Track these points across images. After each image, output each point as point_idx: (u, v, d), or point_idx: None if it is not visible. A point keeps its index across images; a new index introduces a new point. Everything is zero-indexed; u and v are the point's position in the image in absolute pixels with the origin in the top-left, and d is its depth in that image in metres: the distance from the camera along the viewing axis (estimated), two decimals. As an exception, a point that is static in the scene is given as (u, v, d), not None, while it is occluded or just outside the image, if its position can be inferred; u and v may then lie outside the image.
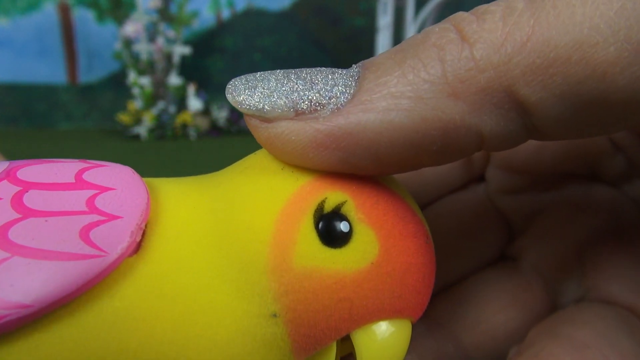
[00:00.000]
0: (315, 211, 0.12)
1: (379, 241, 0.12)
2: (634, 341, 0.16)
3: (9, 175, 0.11)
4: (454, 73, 0.11)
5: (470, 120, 0.11)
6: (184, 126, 1.37)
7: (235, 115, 1.42)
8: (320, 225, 0.11)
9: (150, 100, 1.39)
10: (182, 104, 1.43)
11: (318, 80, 0.12)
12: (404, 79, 0.11)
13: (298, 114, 0.12)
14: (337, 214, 0.12)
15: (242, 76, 0.13)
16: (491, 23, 0.11)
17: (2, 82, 1.53)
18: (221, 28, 1.55)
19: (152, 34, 1.40)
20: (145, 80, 1.39)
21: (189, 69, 1.46)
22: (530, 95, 0.11)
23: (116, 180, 0.12)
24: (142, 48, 1.39)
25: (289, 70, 0.13)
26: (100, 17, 1.53)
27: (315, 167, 0.12)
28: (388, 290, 0.12)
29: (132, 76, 1.39)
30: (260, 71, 0.13)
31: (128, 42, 1.39)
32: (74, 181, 0.11)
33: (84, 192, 0.11)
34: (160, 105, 1.38)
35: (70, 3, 1.50)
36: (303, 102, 0.12)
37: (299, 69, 0.13)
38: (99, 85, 1.56)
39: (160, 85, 1.41)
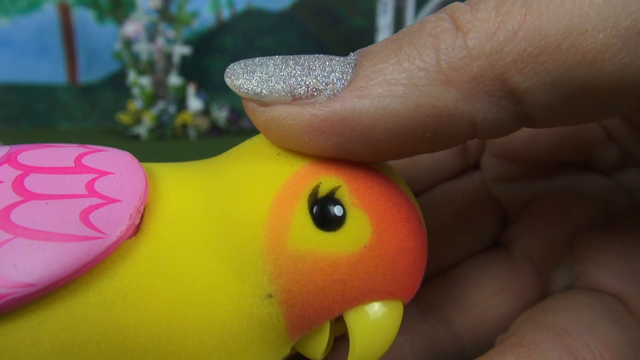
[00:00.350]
0: (310, 196, 0.12)
1: (372, 225, 0.12)
2: (617, 328, 0.16)
3: (10, 160, 0.12)
4: (448, 61, 0.11)
5: (463, 107, 0.11)
6: (184, 126, 1.37)
7: (235, 115, 1.42)
8: (314, 210, 0.12)
9: (150, 100, 1.39)
10: (182, 104, 1.43)
11: (315, 67, 0.12)
12: (400, 66, 0.12)
13: (295, 98, 0.12)
14: (331, 199, 0.12)
15: (241, 61, 0.13)
16: (484, 12, 0.11)
17: (2, 82, 1.53)
18: (221, 28, 1.55)
19: (152, 34, 1.40)
20: (145, 80, 1.39)
21: (189, 69, 1.46)
22: (522, 83, 0.11)
23: (115, 165, 0.12)
24: (142, 48, 1.39)
25: (287, 56, 0.13)
26: (100, 17, 1.53)
27: (310, 151, 0.12)
28: (380, 273, 0.12)
29: (132, 76, 1.39)
30: None
31: (128, 42, 1.39)
32: (73, 165, 0.12)
33: (84, 175, 0.11)
34: (160, 105, 1.38)
35: (70, 3, 1.50)
36: (300, 87, 0.12)
37: (297, 55, 0.13)
38: (99, 85, 1.56)
39: (160, 85, 1.41)
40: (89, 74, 1.54)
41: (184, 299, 0.11)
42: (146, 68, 1.40)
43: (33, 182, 0.11)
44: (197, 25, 1.48)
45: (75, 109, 1.56)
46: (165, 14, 1.39)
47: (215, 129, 1.41)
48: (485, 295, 0.19)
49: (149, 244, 0.11)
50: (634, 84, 0.11)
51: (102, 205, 0.11)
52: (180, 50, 1.40)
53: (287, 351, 0.12)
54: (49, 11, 1.50)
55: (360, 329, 0.12)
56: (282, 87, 0.12)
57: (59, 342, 0.10)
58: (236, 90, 0.12)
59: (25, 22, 1.50)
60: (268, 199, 0.12)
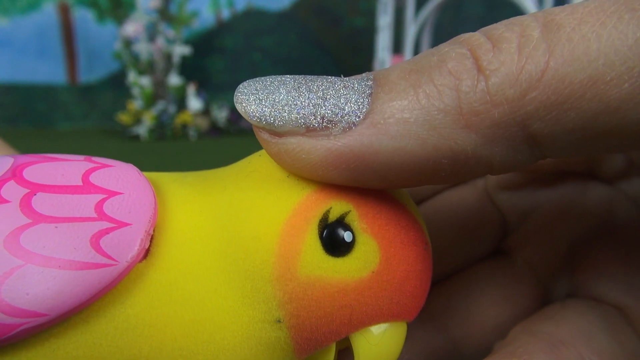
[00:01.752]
0: (320, 221, 0.12)
1: (380, 250, 0.12)
2: (614, 340, 0.16)
3: (15, 175, 0.11)
4: (469, 105, 0.11)
5: (481, 151, 0.11)
6: (184, 126, 1.37)
7: (235, 115, 1.42)
8: (324, 234, 0.12)
9: (150, 100, 1.39)
10: (182, 104, 1.43)
11: (330, 95, 0.12)
12: (418, 104, 0.11)
13: (309, 130, 0.12)
14: (341, 224, 0.12)
15: (251, 83, 0.12)
16: (507, 54, 0.11)
17: (2, 82, 1.53)
18: (221, 28, 1.55)
19: (152, 34, 1.40)
20: (145, 80, 1.39)
21: (189, 69, 1.46)
22: (543, 129, 0.11)
23: (123, 184, 0.12)
24: (142, 48, 1.39)
25: (300, 79, 0.12)
26: (100, 17, 1.53)
27: (323, 181, 0.12)
28: (387, 297, 0.12)
29: (132, 76, 1.39)
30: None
31: (128, 42, 1.39)
32: (81, 184, 0.11)
33: (92, 196, 0.11)
34: (160, 105, 1.38)
35: (70, 3, 1.50)
36: (315, 118, 0.12)
37: (311, 79, 0.12)
38: (99, 85, 1.56)
39: (160, 85, 1.41)
40: (89, 74, 1.54)
41: (195, 325, 0.11)
42: (146, 68, 1.39)
43: (41, 203, 0.11)
44: (197, 25, 1.48)
45: (75, 109, 1.56)
46: (165, 14, 1.39)
47: (215, 129, 1.41)
48: (485, 304, 0.19)
49: (159, 268, 0.11)
50: None
51: (112, 229, 0.11)
52: (180, 50, 1.40)
53: None
54: (49, 11, 1.50)
55: (364, 349, 0.12)
56: (296, 117, 0.12)
57: None
58: (247, 118, 0.12)
59: (25, 22, 1.50)
60: (278, 224, 0.12)
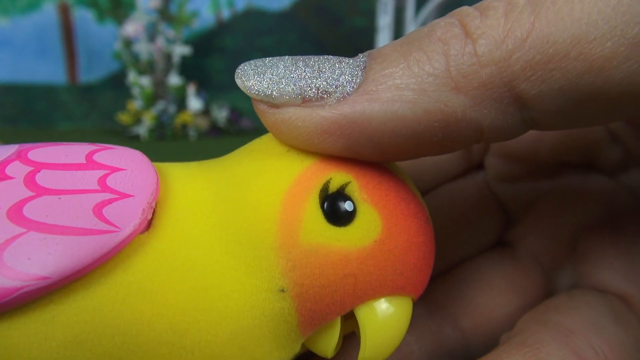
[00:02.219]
0: (321, 191, 0.12)
1: (381, 220, 0.12)
2: (621, 329, 0.16)
3: (20, 157, 0.12)
4: (458, 68, 0.11)
5: (471, 114, 0.12)
6: (184, 126, 1.37)
7: (235, 115, 1.42)
8: (325, 205, 0.12)
9: (150, 100, 1.39)
10: (182, 104, 1.43)
11: (325, 69, 0.12)
12: (409, 71, 0.12)
13: (305, 101, 0.12)
14: (342, 194, 0.12)
15: (251, 61, 0.13)
16: (493, 19, 0.11)
17: (2, 82, 1.53)
18: (221, 28, 1.55)
19: (152, 34, 1.40)
20: (145, 80, 1.39)
21: (189, 69, 1.46)
22: (530, 90, 0.11)
23: (126, 162, 0.12)
24: (142, 48, 1.39)
25: (297, 57, 0.13)
26: (100, 17, 1.53)
27: (319, 151, 0.12)
28: (390, 267, 0.12)
29: (132, 76, 1.39)
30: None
31: (128, 42, 1.39)
32: (84, 162, 0.12)
33: (95, 172, 0.11)
34: (160, 105, 1.38)
35: (70, 3, 1.50)
36: (310, 89, 0.12)
37: (307, 56, 0.13)
38: (99, 85, 1.56)
39: (160, 85, 1.41)
40: (89, 74, 1.54)
41: (197, 292, 0.11)
42: (146, 68, 1.40)
43: (45, 178, 0.11)
44: (197, 25, 1.48)
45: (75, 109, 1.56)
46: (165, 14, 1.39)
47: (215, 129, 1.41)
48: (491, 294, 0.19)
49: (161, 238, 0.11)
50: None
51: (115, 200, 0.11)
52: (180, 50, 1.40)
53: (298, 348, 0.13)
54: (49, 11, 1.50)
55: (371, 324, 0.12)
56: (292, 89, 0.12)
57: (72, 336, 0.10)
58: (247, 92, 0.13)
59: (25, 22, 1.50)
60: (279, 194, 0.12)
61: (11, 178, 0.11)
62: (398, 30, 1.20)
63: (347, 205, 0.12)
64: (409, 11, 1.16)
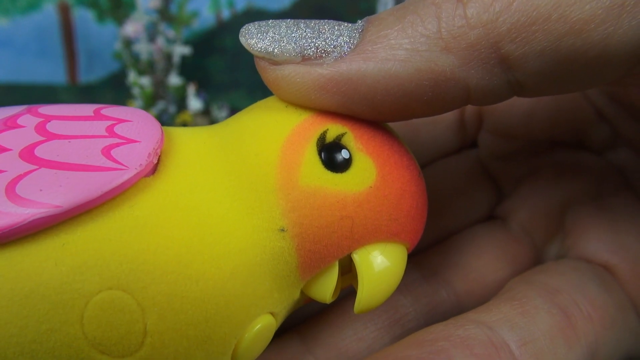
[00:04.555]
0: (318, 140, 0.13)
1: (376, 168, 0.13)
2: (605, 291, 0.17)
3: (31, 111, 0.12)
4: (448, 29, 0.12)
5: (459, 73, 0.12)
6: (184, 126, 1.38)
7: (235, 114, 1.43)
8: (322, 153, 0.13)
9: (150, 100, 1.39)
10: (182, 104, 1.43)
11: (325, 30, 0.13)
12: (403, 32, 0.13)
13: (304, 59, 0.13)
14: (338, 144, 0.13)
15: (255, 23, 0.14)
16: None
17: (2, 82, 1.53)
18: (221, 28, 1.56)
19: (152, 34, 1.40)
20: (145, 80, 1.40)
21: (189, 69, 1.46)
22: (514, 51, 0.12)
23: (132, 116, 0.12)
24: (142, 48, 1.39)
25: (299, 20, 0.14)
26: (100, 17, 1.54)
27: (315, 108, 0.13)
28: (385, 212, 0.13)
29: (132, 76, 1.39)
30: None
31: (128, 42, 1.40)
32: (92, 115, 0.12)
33: (103, 122, 0.12)
34: (160, 105, 1.38)
35: (70, 3, 1.50)
36: (310, 48, 0.13)
37: (309, 20, 0.14)
38: (99, 85, 1.57)
39: (160, 85, 1.42)
40: (89, 74, 1.54)
41: (201, 228, 0.12)
42: (146, 68, 1.40)
43: (55, 126, 0.11)
44: (197, 25, 1.48)
45: (75, 109, 1.56)
46: (165, 14, 1.40)
47: (214, 129, 1.42)
48: (484, 261, 0.20)
49: (166, 181, 0.12)
50: (615, 53, 0.12)
51: (122, 144, 0.11)
52: (180, 50, 1.40)
53: (297, 293, 0.13)
54: (49, 11, 1.50)
55: (368, 270, 0.13)
56: (293, 47, 0.13)
57: (81, 262, 0.11)
58: (249, 49, 0.13)
59: (25, 22, 1.50)
60: (279, 141, 0.13)
61: (23, 127, 0.11)
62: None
63: (344, 154, 0.13)
64: (407, 11, 1.16)
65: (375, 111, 0.13)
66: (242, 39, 0.13)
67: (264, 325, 0.13)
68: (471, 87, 0.13)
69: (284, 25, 0.13)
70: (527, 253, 0.21)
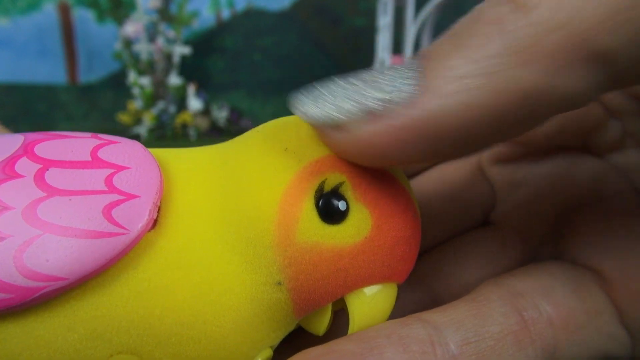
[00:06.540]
0: (316, 191, 0.13)
1: (372, 218, 0.13)
2: (575, 296, 0.16)
3: (27, 152, 0.12)
4: (519, 42, 0.11)
5: (547, 82, 0.11)
6: (184, 126, 1.38)
7: (235, 115, 1.43)
8: (320, 204, 0.13)
9: (150, 100, 1.39)
10: (182, 104, 1.43)
11: (381, 79, 0.12)
12: (468, 59, 0.11)
13: (371, 114, 0.12)
14: (336, 194, 0.13)
15: (304, 91, 0.13)
16: None
17: (2, 82, 1.53)
18: (221, 28, 1.56)
19: (152, 34, 1.40)
20: (145, 80, 1.40)
21: (189, 69, 1.46)
22: (605, 44, 0.11)
23: (130, 159, 0.13)
24: (142, 48, 1.39)
25: (348, 76, 0.13)
26: (100, 17, 1.53)
27: (398, 164, 0.13)
28: (379, 261, 0.13)
29: (132, 76, 1.39)
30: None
31: (128, 42, 1.39)
32: (90, 159, 0.12)
33: (102, 171, 0.12)
34: (160, 105, 1.38)
35: (70, 3, 1.50)
36: (373, 102, 0.12)
37: (358, 73, 0.13)
38: (99, 85, 1.57)
39: (160, 85, 1.42)
40: (89, 74, 1.54)
41: (202, 288, 0.12)
42: (146, 68, 1.40)
43: (54, 177, 0.11)
44: (197, 25, 1.48)
45: (75, 109, 1.56)
46: (165, 14, 1.40)
47: (215, 129, 1.42)
48: (471, 269, 0.20)
49: (167, 236, 0.12)
50: None
51: (122, 201, 0.11)
52: (180, 50, 1.40)
53: (292, 327, 0.14)
54: (49, 11, 1.50)
55: (358, 308, 0.14)
56: (352, 105, 0.12)
57: (92, 329, 0.11)
58: (308, 121, 0.12)
59: (25, 22, 1.50)
60: (277, 194, 0.13)
61: (22, 176, 0.11)
62: (398, 30, 1.20)
63: (341, 205, 0.13)
64: (409, 11, 1.16)
65: (462, 147, 0.12)
66: (297, 112, 0.12)
67: (263, 359, 0.14)
68: (562, 93, 0.11)
69: (334, 85, 0.12)
70: (516, 258, 0.21)
